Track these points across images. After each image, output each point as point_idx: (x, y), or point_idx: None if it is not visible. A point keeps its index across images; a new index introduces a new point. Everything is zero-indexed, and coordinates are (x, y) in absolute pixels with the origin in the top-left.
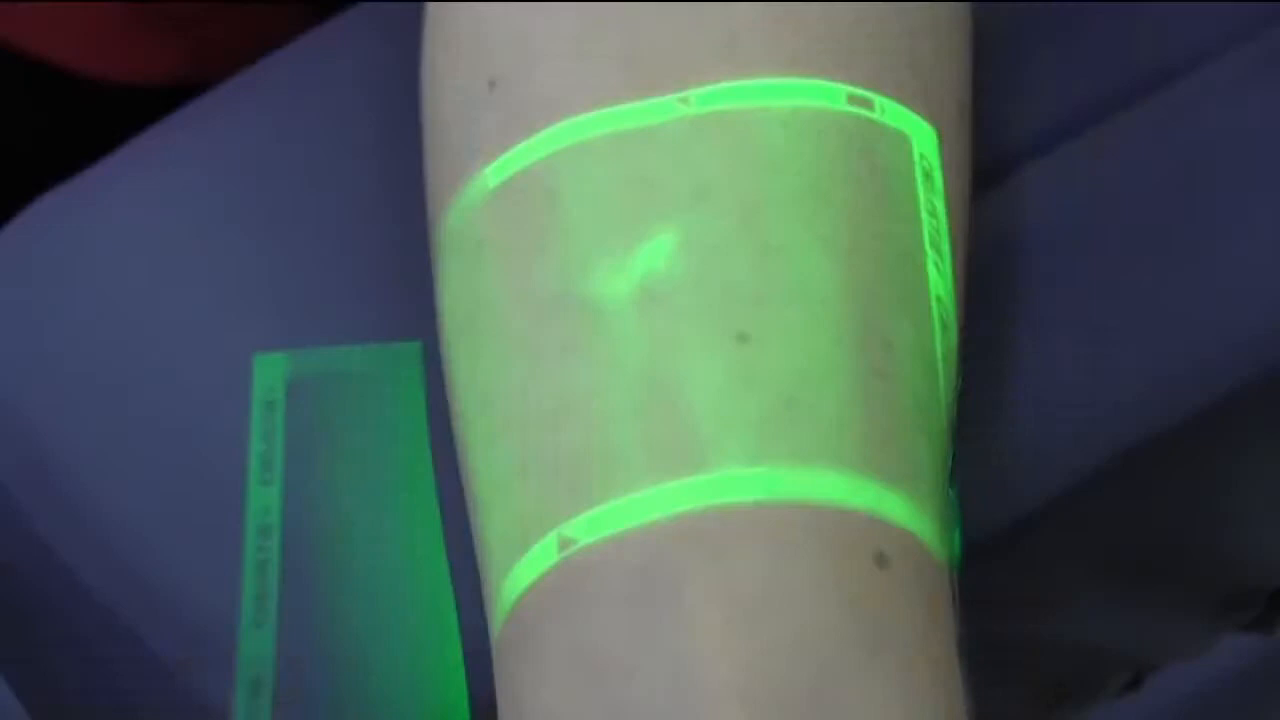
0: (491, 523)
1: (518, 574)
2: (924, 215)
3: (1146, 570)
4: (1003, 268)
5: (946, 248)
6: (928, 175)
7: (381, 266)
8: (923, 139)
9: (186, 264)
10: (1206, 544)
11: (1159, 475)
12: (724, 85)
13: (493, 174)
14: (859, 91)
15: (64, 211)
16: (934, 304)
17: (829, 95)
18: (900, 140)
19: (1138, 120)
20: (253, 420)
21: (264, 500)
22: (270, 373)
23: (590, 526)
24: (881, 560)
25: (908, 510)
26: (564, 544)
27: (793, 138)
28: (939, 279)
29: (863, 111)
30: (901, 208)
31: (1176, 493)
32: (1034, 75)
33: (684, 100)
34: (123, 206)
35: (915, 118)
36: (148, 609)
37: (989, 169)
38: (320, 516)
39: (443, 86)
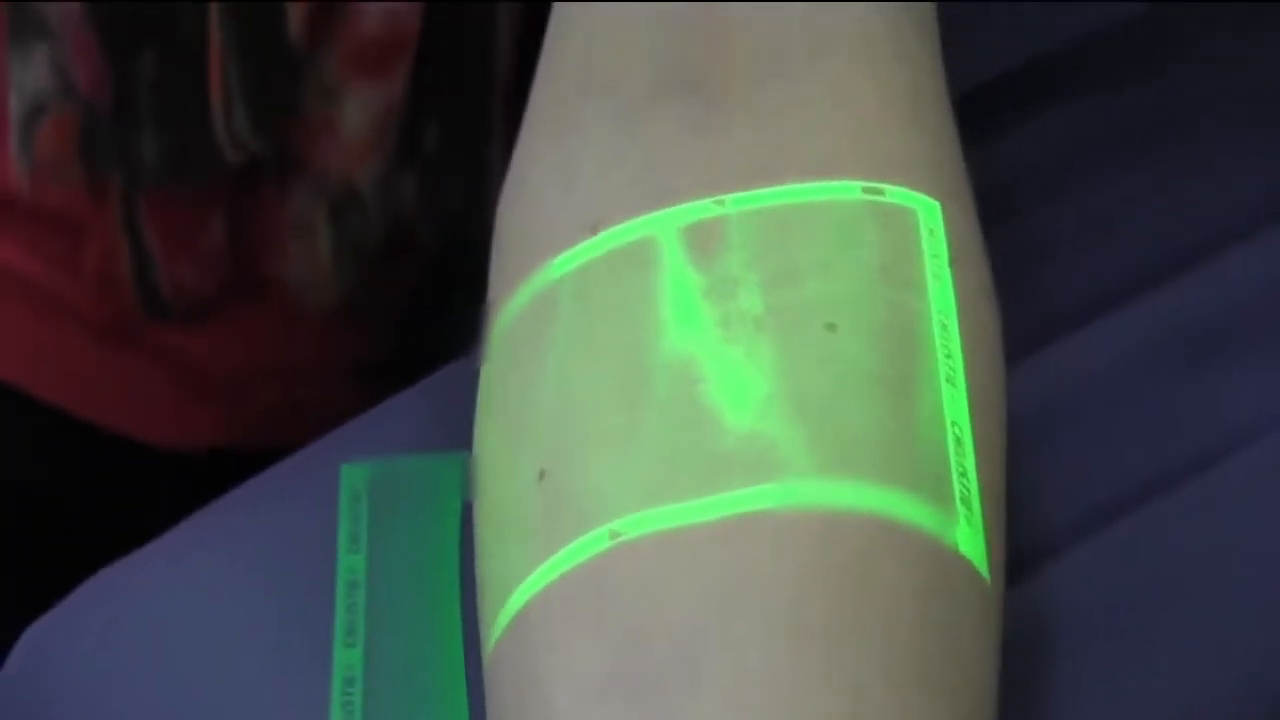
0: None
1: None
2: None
3: None
4: (1037, 655)
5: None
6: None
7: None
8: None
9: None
10: None
11: None
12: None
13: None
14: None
15: (118, 589)
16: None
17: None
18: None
19: (1174, 508)
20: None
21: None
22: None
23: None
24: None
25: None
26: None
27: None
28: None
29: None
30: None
31: None
32: (1063, 466)
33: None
34: (175, 587)
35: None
36: None
37: (1021, 559)
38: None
39: (494, 473)
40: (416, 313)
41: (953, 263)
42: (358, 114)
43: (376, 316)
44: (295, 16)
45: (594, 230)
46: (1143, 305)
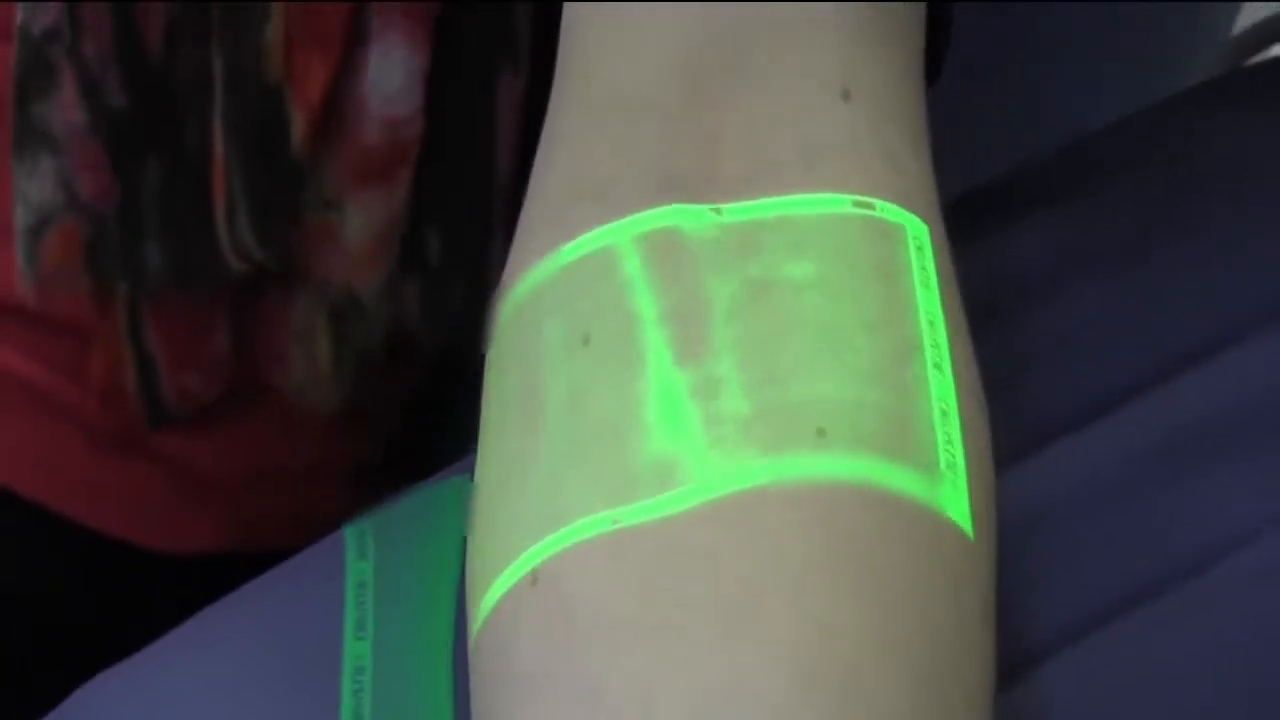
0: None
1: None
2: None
3: None
4: None
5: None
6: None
7: None
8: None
9: None
10: None
11: None
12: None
13: None
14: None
15: (116, 693)
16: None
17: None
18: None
19: (1163, 613)
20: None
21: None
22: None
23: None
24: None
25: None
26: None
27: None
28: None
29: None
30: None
31: None
32: (1048, 574)
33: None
34: (173, 691)
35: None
36: None
37: (1005, 666)
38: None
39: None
40: (416, 415)
41: (941, 365)
42: (359, 222)
43: (376, 420)
44: (298, 127)
45: (586, 341)
46: (1128, 413)
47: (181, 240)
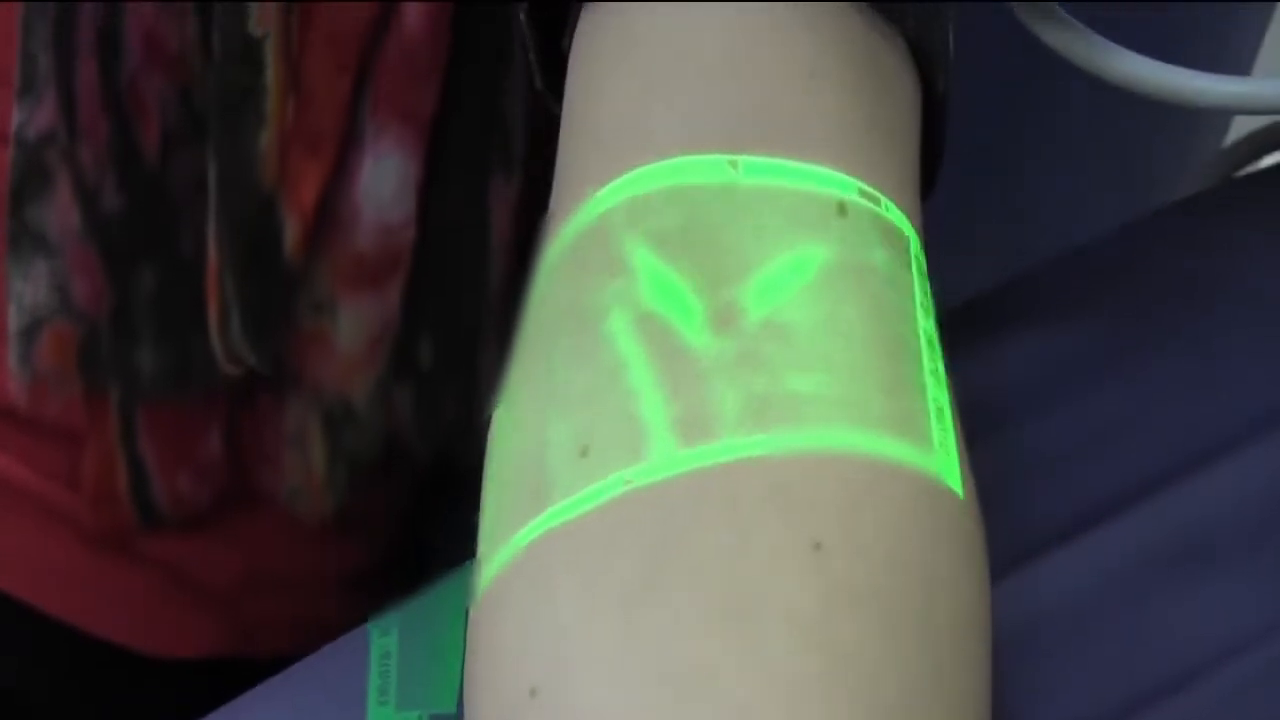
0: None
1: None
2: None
3: None
4: None
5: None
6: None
7: None
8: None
9: None
10: None
11: None
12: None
13: None
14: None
15: None
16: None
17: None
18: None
19: None
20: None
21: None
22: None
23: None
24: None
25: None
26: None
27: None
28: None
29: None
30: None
31: None
32: (1046, 683)
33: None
34: None
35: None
36: None
37: None
38: None
39: (483, 693)
40: (410, 522)
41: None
42: (352, 328)
43: (371, 525)
44: (292, 232)
45: (584, 454)
46: (1127, 521)
47: (175, 345)
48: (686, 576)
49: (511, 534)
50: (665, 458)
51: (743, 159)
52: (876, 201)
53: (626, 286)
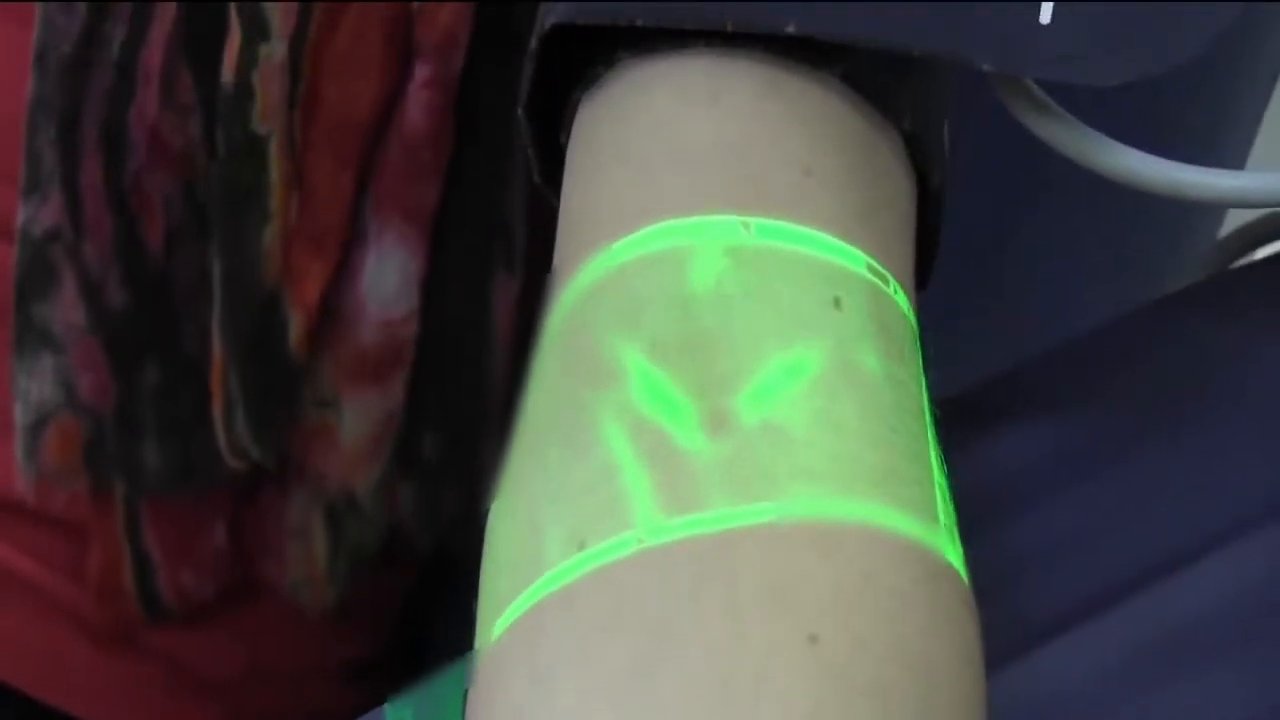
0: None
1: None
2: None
3: None
4: None
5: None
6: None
7: None
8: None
9: None
10: None
11: None
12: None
13: None
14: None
15: None
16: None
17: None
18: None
19: None
20: None
21: None
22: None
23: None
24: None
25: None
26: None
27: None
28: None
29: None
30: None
31: None
32: None
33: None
34: None
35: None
36: None
37: None
38: None
39: None
40: (410, 612)
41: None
42: (356, 422)
43: (372, 618)
44: (295, 328)
45: (580, 547)
46: (1118, 615)
47: (179, 440)
48: (680, 665)
49: (506, 606)
50: (656, 526)
51: (755, 221)
52: (885, 281)
53: (619, 392)
